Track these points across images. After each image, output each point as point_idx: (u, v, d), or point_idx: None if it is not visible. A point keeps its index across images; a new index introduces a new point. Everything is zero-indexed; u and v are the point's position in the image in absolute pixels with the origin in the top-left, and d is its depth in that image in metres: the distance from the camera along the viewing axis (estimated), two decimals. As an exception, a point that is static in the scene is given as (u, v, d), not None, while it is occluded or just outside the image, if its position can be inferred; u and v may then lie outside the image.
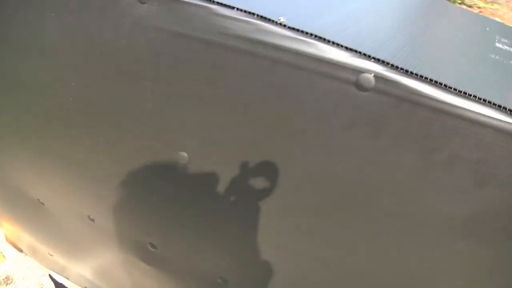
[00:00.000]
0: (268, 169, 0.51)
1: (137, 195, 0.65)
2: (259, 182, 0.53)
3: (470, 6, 2.98)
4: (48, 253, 1.14)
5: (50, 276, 1.48)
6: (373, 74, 0.42)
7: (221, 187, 0.55)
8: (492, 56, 0.53)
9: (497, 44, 0.57)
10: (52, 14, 0.55)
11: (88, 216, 0.75)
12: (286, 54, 0.44)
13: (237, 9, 0.45)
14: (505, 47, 0.57)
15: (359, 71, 0.42)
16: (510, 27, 0.73)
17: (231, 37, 0.46)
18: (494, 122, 0.39)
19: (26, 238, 1.19)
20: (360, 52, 0.42)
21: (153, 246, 0.70)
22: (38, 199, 0.84)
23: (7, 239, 1.35)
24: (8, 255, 1.49)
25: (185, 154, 0.55)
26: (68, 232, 0.88)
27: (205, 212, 0.60)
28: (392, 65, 0.42)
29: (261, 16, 0.44)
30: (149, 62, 0.51)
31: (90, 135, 0.63)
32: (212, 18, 0.46)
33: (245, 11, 0.45)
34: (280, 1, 0.51)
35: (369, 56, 0.42)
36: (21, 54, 0.62)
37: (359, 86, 0.43)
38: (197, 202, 0.59)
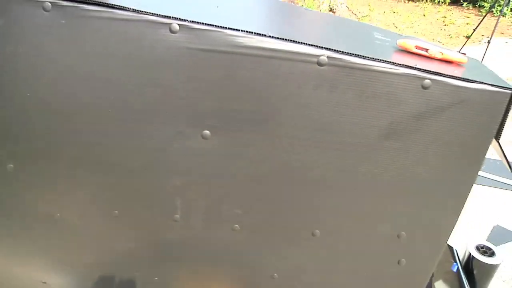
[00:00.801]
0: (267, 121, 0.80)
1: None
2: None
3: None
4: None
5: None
6: (326, 56, 0.75)
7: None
8: (375, 39, 0.91)
9: (376, 35, 0.97)
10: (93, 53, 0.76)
11: None
12: (277, 52, 0.74)
13: (243, 31, 0.74)
14: (381, 37, 0.96)
15: (318, 55, 0.75)
16: (379, 27, 1.13)
17: (238, 47, 0.74)
18: (387, 70, 0.75)
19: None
20: (316, 45, 0.75)
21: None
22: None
23: None
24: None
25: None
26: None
27: None
28: (335, 50, 0.75)
29: (259, 33, 0.74)
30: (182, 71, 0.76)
31: None
32: (224, 36, 0.74)
33: (247, 31, 0.74)
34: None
35: (321, 47, 0.75)
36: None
37: (319, 63, 0.75)
38: None
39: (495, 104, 0.77)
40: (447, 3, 8.48)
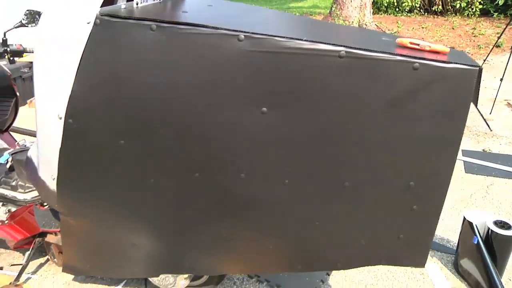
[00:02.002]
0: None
1: None
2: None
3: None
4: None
5: None
6: (344, 51, 1.09)
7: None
8: (382, 40, 1.25)
9: (383, 37, 1.31)
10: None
11: None
12: (310, 50, 1.10)
13: (287, 37, 1.10)
14: (387, 39, 1.30)
15: (339, 51, 1.10)
16: (388, 33, 1.46)
17: (284, 48, 1.11)
18: (388, 58, 1.08)
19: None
20: (337, 44, 1.10)
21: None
22: None
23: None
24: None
25: None
26: None
27: None
28: (351, 46, 1.10)
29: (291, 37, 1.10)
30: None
31: None
32: (274, 41, 1.11)
33: (289, 37, 1.10)
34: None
35: (341, 45, 1.10)
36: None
37: (340, 56, 1.10)
38: None
39: (468, 78, 1.08)
40: (476, 16, 8.60)
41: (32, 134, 3.24)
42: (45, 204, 1.93)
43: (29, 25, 2.12)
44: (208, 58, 1.14)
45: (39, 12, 2.15)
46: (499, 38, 4.78)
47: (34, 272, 2.21)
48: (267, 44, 1.11)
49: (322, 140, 1.20)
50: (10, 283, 2.08)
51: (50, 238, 2.07)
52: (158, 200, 1.39)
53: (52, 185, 1.45)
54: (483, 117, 1.14)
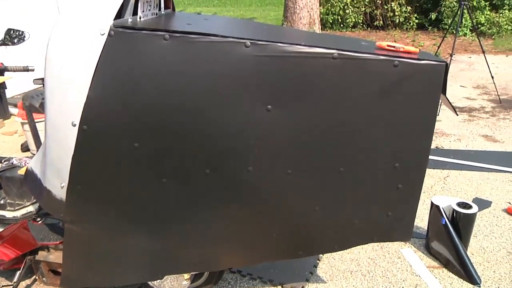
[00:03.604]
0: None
1: None
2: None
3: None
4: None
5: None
6: (337, 53, 1.28)
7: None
8: (362, 44, 1.46)
9: (362, 42, 1.52)
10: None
11: None
12: (309, 53, 1.27)
13: (287, 43, 1.27)
14: (366, 43, 1.51)
15: (332, 53, 1.28)
16: (364, 39, 1.68)
17: (285, 52, 1.27)
18: (373, 57, 1.28)
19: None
20: (331, 48, 1.28)
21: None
22: None
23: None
24: None
25: None
26: None
27: None
28: (342, 49, 1.28)
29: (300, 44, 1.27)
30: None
31: None
32: (277, 47, 1.27)
33: (289, 43, 1.27)
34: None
35: (334, 48, 1.28)
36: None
37: (333, 58, 1.28)
38: None
39: (438, 71, 1.30)
40: (414, 29, 9.39)
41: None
42: (38, 219, 1.94)
43: (10, 44, 2.14)
44: (219, 63, 1.28)
45: (21, 31, 2.18)
46: (438, 48, 5.32)
47: (22, 293, 2.17)
48: (270, 49, 1.27)
49: (320, 131, 1.37)
50: (0, 306, 2.03)
51: (40, 256, 2.06)
52: (169, 199, 1.48)
53: (60, 193, 1.50)
54: (450, 103, 1.36)
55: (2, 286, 2.19)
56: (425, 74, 1.31)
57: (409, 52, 1.38)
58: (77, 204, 1.49)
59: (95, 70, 1.29)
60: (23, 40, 2.16)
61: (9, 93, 3.25)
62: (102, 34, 1.28)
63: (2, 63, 2.15)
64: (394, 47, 1.38)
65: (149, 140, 1.37)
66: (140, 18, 1.43)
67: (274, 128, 1.36)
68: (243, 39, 1.27)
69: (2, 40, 2.09)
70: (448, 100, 1.36)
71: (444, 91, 1.34)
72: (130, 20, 1.37)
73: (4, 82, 4.76)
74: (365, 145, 1.39)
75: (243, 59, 1.28)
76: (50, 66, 1.36)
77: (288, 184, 1.43)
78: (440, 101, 1.39)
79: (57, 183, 1.49)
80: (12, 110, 3.34)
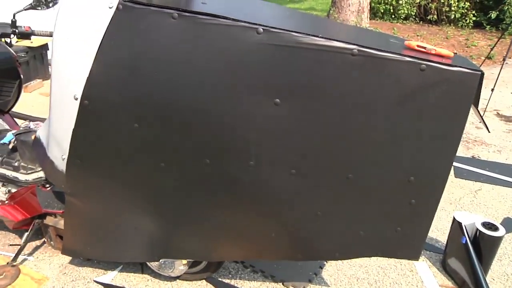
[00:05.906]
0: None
1: None
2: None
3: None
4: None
5: (95, 281, 1.96)
6: (357, 49, 1.15)
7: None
8: (390, 42, 1.31)
9: (391, 39, 1.37)
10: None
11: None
12: (326, 47, 1.16)
13: (302, 33, 1.16)
14: (395, 41, 1.36)
15: (352, 49, 1.15)
16: (394, 35, 1.53)
17: (299, 43, 1.16)
18: (398, 58, 1.15)
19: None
20: (351, 42, 1.16)
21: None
22: None
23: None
24: (50, 274, 1.94)
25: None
26: None
27: None
28: (363, 45, 1.15)
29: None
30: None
31: None
32: (291, 36, 1.16)
33: (305, 33, 1.16)
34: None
35: (354, 43, 1.16)
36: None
37: (352, 54, 1.16)
38: None
39: (471, 81, 1.15)
40: (470, 27, 8.79)
41: (29, 119, 3.23)
42: (47, 185, 1.95)
43: (39, 8, 2.13)
44: (227, 48, 1.19)
45: None
46: (491, 50, 4.92)
47: (30, 254, 2.23)
48: (284, 38, 1.17)
49: (330, 133, 1.26)
50: (7, 264, 2.10)
51: (48, 221, 2.09)
52: (167, 184, 1.43)
53: (61, 165, 1.48)
54: (482, 118, 1.21)
55: (10, 245, 2.26)
56: (456, 83, 1.16)
57: (441, 56, 1.22)
58: (76, 177, 1.47)
59: (100, 44, 1.24)
60: (57, 3, 2.15)
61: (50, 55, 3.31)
62: (111, 7, 1.22)
63: (29, 27, 2.16)
64: (425, 48, 1.23)
65: (149, 123, 1.31)
66: None
67: (281, 124, 1.26)
68: (256, 24, 1.17)
69: (31, 4, 2.08)
70: (480, 114, 1.21)
71: (476, 104, 1.19)
72: None
73: (47, 43, 4.89)
74: (378, 153, 1.27)
75: (253, 46, 1.18)
76: (57, 37, 1.33)
77: (290, 184, 1.34)
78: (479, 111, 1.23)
79: (59, 155, 1.48)
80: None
